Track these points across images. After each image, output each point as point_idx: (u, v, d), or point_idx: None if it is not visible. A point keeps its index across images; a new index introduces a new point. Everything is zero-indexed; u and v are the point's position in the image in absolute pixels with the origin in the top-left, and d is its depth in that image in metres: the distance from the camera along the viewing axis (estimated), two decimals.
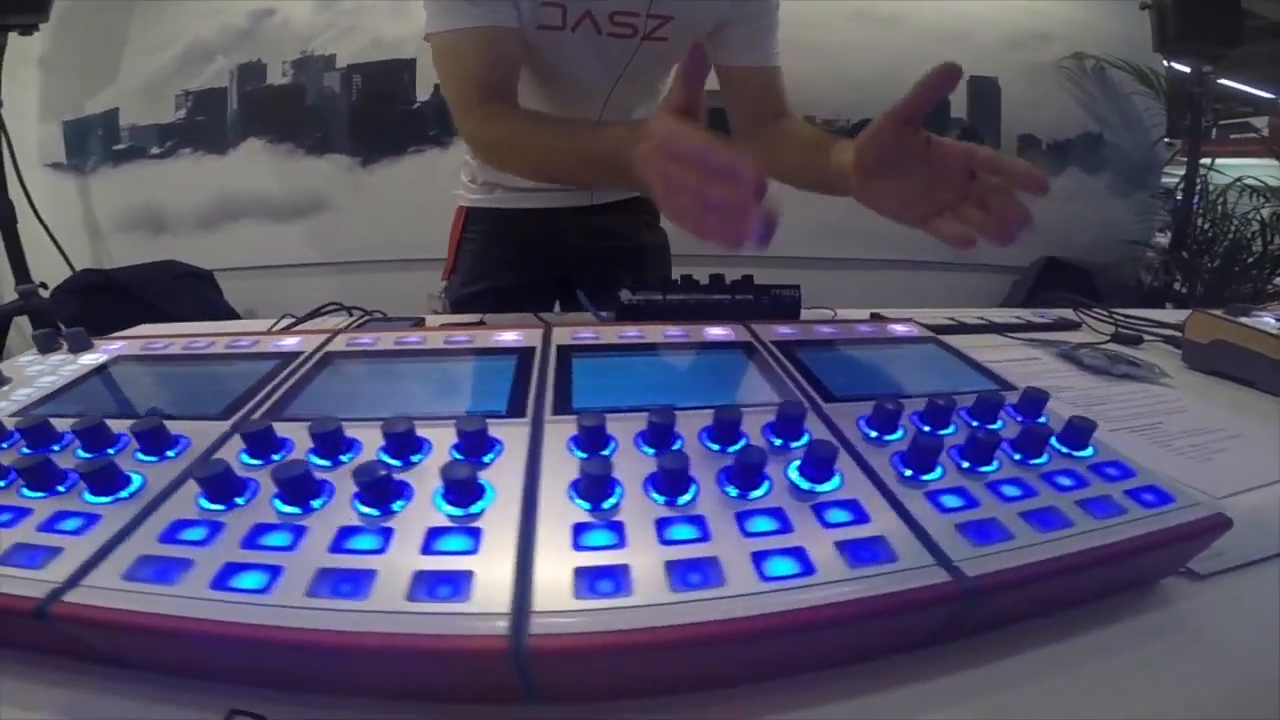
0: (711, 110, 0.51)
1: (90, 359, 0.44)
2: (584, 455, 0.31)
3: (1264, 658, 0.29)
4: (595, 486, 0.27)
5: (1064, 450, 0.33)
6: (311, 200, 2.34)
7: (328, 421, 0.31)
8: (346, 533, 0.26)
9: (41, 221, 2.06)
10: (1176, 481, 0.32)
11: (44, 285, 2.03)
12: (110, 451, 0.31)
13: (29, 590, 0.23)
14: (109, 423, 0.32)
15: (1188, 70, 2.45)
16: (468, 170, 1.05)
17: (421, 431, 0.31)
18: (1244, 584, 0.34)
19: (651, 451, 0.31)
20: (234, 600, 0.22)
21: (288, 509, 0.27)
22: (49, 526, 0.26)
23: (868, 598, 0.23)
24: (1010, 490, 0.30)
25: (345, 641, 0.21)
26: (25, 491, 0.28)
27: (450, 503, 0.27)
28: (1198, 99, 2.42)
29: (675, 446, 0.31)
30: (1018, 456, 0.32)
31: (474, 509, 0.27)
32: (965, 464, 0.31)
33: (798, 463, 0.30)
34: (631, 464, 0.30)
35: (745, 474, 0.28)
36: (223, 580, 0.23)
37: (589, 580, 0.23)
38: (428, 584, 0.23)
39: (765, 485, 0.29)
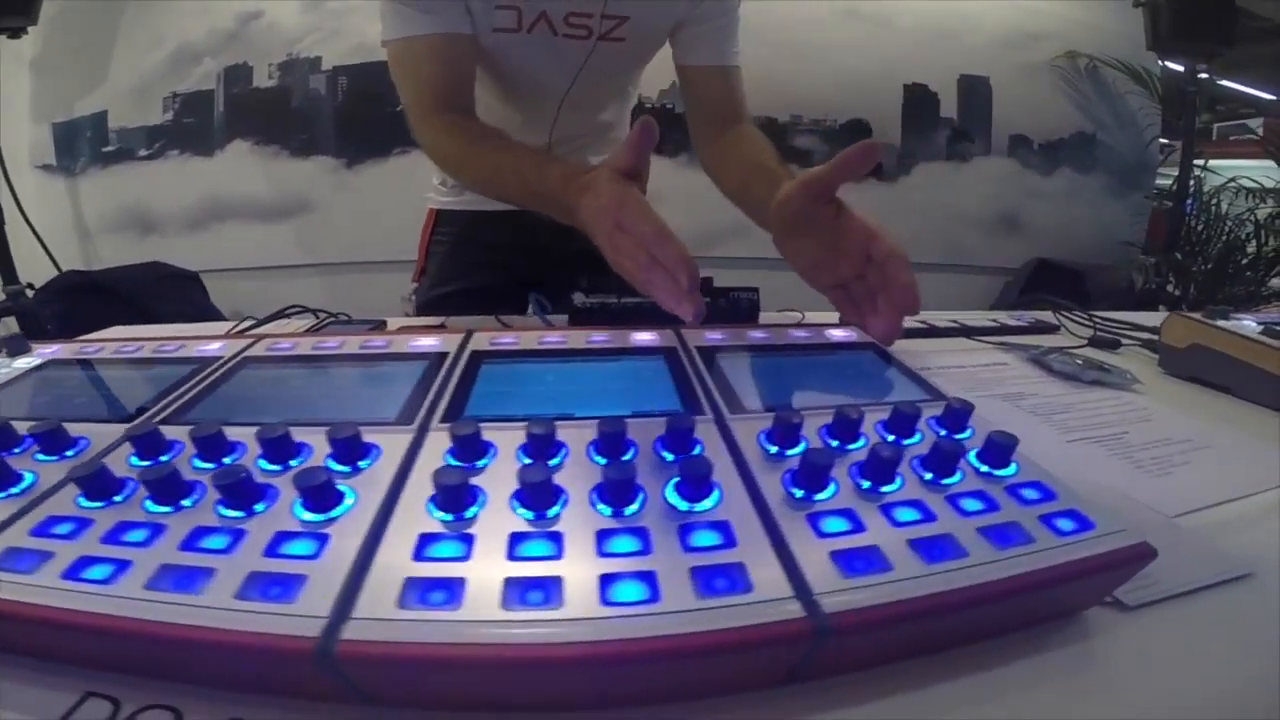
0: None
1: (23, 363, 0.45)
2: (458, 465, 0.30)
3: (1186, 700, 0.26)
4: (453, 497, 0.26)
5: (981, 469, 0.31)
6: (298, 202, 2.34)
7: (210, 425, 0.31)
8: (201, 532, 0.26)
9: (29, 223, 2.06)
10: (1109, 502, 0.31)
11: (31, 286, 2.03)
12: (16, 451, 0.32)
13: None
14: (15, 424, 0.33)
15: (1182, 69, 2.42)
16: (438, 173, 1.04)
17: (301, 437, 0.31)
18: (1176, 616, 0.31)
19: (530, 463, 0.30)
20: (81, 590, 0.23)
21: (158, 508, 0.27)
22: None
23: (704, 631, 0.21)
24: (906, 514, 0.27)
25: (175, 634, 0.22)
26: None
27: (306, 508, 0.27)
28: (1192, 98, 2.39)
29: (556, 460, 0.30)
30: (928, 476, 0.30)
31: (331, 514, 0.27)
32: (864, 483, 0.29)
33: (676, 479, 0.28)
34: (505, 476, 0.28)
35: (617, 491, 0.26)
36: (75, 571, 0.24)
37: (419, 591, 0.23)
38: (260, 585, 0.23)
39: (638, 502, 0.27)
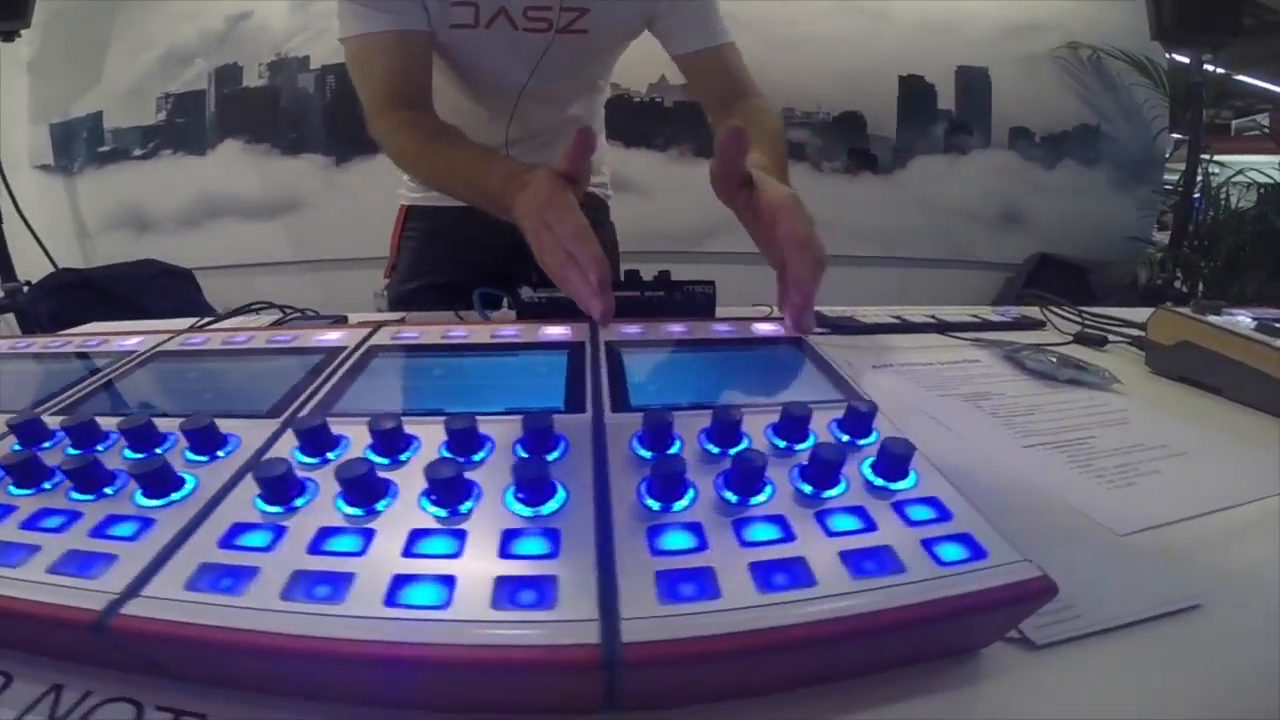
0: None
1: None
2: (307, 460, 0.28)
3: None
4: (278, 488, 0.25)
5: (874, 481, 0.27)
6: (288, 199, 2.35)
7: (81, 415, 0.31)
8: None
9: (25, 221, 2.08)
10: (1041, 521, 0.27)
11: (28, 283, 2.05)
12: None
13: None
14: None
15: (1187, 61, 2.36)
16: None
17: (165, 428, 0.31)
18: (1100, 656, 0.27)
19: (385, 460, 0.28)
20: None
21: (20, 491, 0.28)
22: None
23: (484, 645, 0.19)
24: (762, 532, 0.24)
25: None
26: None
27: (146, 495, 0.27)
28: (1198, 90, 2.32)
29: (406, 455, 0.28)
30: (806, 488, 0.27)
31: (173, 498, 0.27)
32: (729, 494, 0.26)
33: (513, 483, 0.26)
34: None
35: (450, 489, 0.24)
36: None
37: (214, 575, 0.23)
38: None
39: (472, 501, 0.25)
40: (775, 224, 0.46)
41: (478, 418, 0.28)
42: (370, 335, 0.41)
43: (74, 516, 0.26)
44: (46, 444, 0.31)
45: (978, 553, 0.24)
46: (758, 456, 0.26)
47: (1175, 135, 2.73)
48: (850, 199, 2.51)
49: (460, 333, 0.41)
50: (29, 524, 0.25)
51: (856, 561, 0.23)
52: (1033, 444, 0.48)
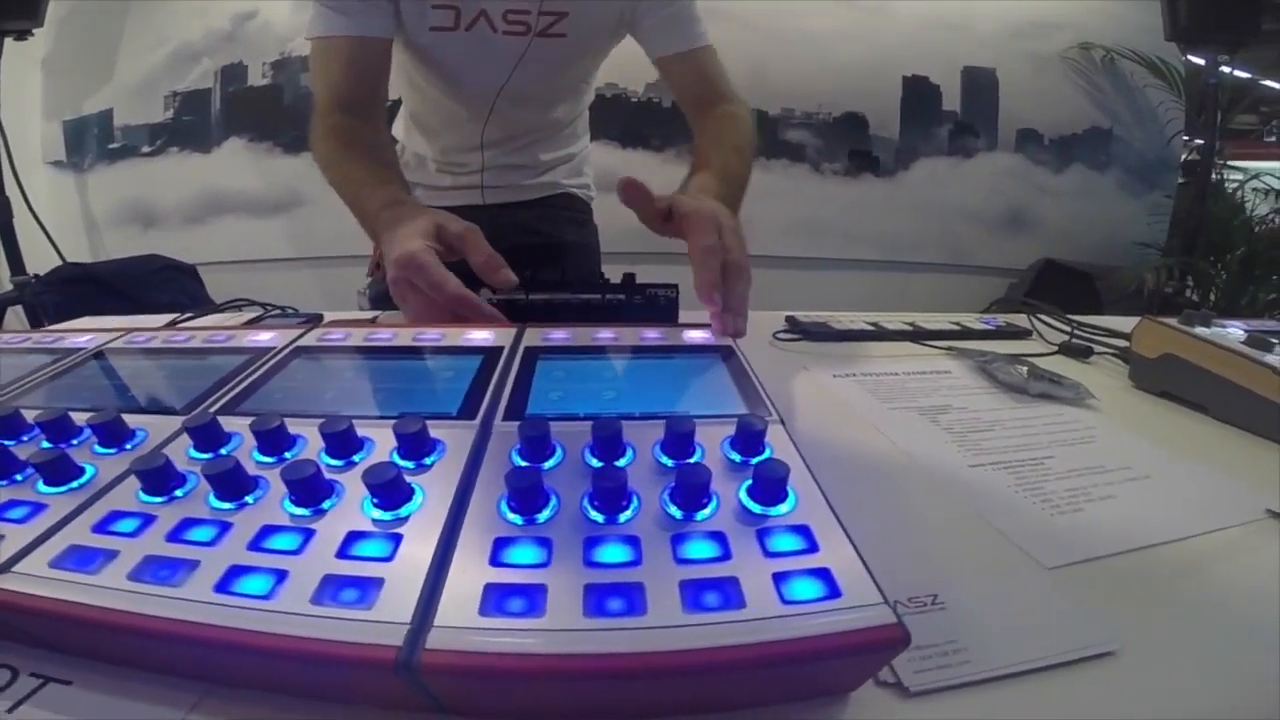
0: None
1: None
2: (203, 456, 0.30)
3: None
4: (158, 478, 0.27)
5: (746, 503, 0.26)
6: (290, 197, 2.38)
7: (4, 407, 0.32)
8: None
9: (35, 216, 2.12)
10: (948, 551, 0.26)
11: (37, 276, 2.09)
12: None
13: None
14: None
15: (1203, 62, 2.30)
16: None
17: (79, 419, 0.33)
18: (988, 706, 0.25)
19: (270, 459, 0.29)
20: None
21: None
22: None
23: (292, 635, 0.20)
24: (611, 553, 0.23)
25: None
26: None
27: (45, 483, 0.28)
28: (1213, 91, 2.26)
29: (289, 455, 0.29)
30: (674, 510, 0.26)
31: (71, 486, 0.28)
32: (593, 512, 0.25)
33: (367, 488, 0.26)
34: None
35: (307, 490, 0.25)
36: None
37: None
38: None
39: (329, 504, 0.26)
40: (688, 239, 0.48)
41: (354, 421, 0.28)
42: (299, 337, 0.41)
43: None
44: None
45: (833, 592, 0.22)
46: (613, 475, 0.25)
47: (1196, 141, 2.65)
48: (851, 201, 2.48)
49: (385, 335, 0.41)
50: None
51: (695, 593, 0.22)
52: (980, 463, 0.46)
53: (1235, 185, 2.57)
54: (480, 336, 0.41)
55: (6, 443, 0.31)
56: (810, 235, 2.47)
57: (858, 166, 2.48)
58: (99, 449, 0.31)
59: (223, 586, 0.22)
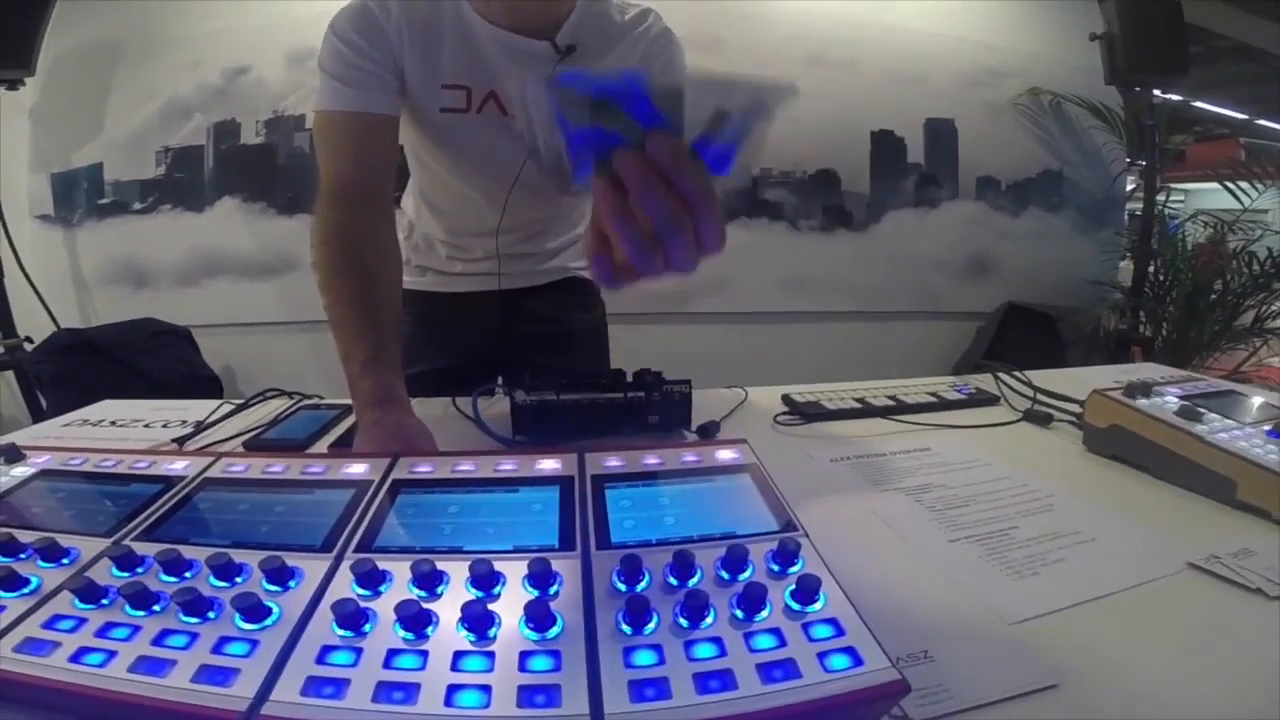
0: None
1: (19, 471, 0.52)
2: (365, 592, 0.37)
3: None
4: (354, 618, 0.34)
5: (792, 605, 0.36)
6: (283, 259, 2.39)
7: (170, 553, 0.39)
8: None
9: (27, 277, 2.12)
10: (939, 616, 0.37)
11: (29, 339, 2.09)
12: (20, 557, 0.40)
13: None
14: (18, 535, 0.41)
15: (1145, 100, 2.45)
16: (403, 250, 1.09)
17: (239, 558, 0.39)
18: None
19: (423, 594, 0.36)
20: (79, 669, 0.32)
21: (137, 612, 0.36)
22: None
23: None
24: (704, 650, 0.32)
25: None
26: None
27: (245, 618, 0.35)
28: (1150, 131, 2.42)
29: (439, 590, 0.36)
30: (739, 613, 0.35)
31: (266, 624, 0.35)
32: (682, 620, 0.34)
33: (524, 614, 0.34)
34: (394, 603, 0.35)
35: (476, 619, 0.33)
36: (78, 657, 0.33)
37: None
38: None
39: (494, 629, 0.34)
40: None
41: (489, 556, 0.37)
42: (390, 468, 0.49)
43: (194, 636, 0.33)
44: (140, 569, 0.39)
45: (857, 662, 0.32)
46: (699, 595, 0.34)
47: (1139, 163, 2.79)
48: (827, 256, 2.60)
49: (468, 466, 0.48)
50: (158, 641, 0.33)
51: (768, 670, 0.32)
52: (959, 538, 0.56)
53: (1178, 219, 2.73)
54: (551, 466, 0.49)
55: (183, 579, 0.38)
56: (790, 290, 2.56)
57: (832, 221, 2.60)
58: (268, 586, 0.37)
59: (449, 700, 0.30)
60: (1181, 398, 0.71)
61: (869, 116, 2.58)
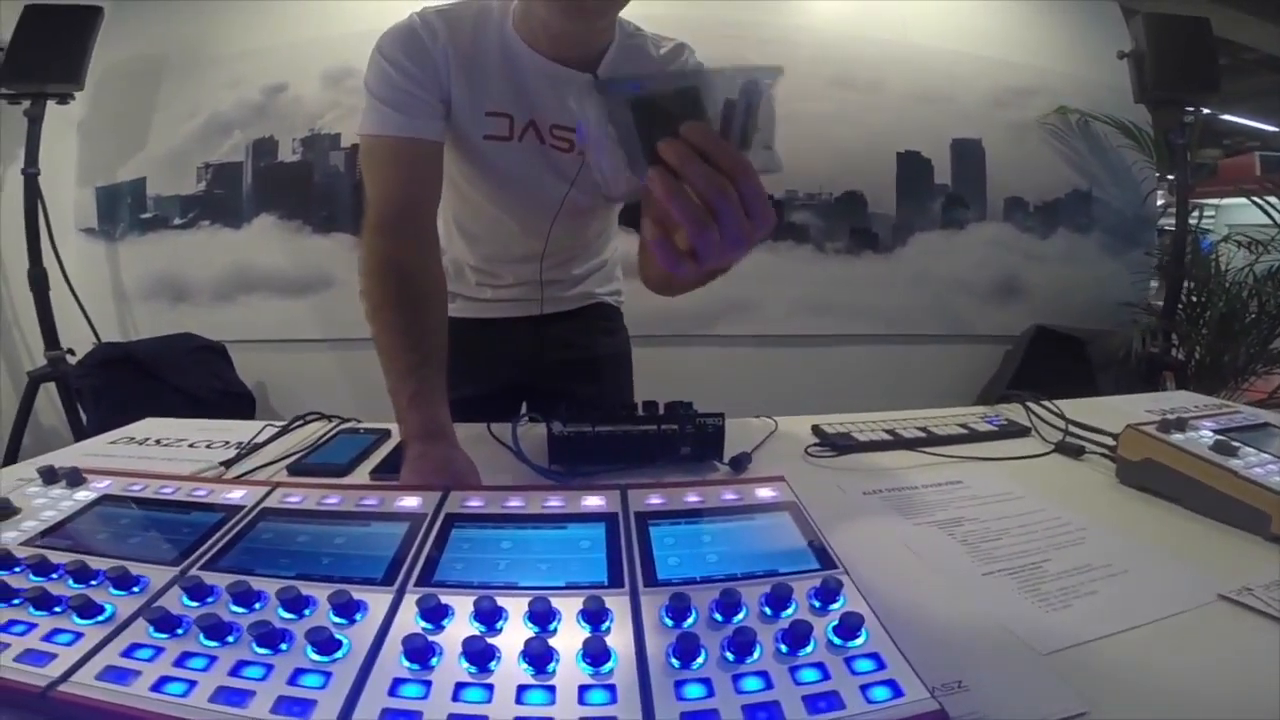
0: None
1: (82, 495, 0.55)
2: (428, 625, 0.38)
3: None
4: (422, 652, 0.35)
5: (835, 640, 0.37)
6: (319, 277, 2.43)
7: (240, 584, 0.41)
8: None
9: (72, 290, 2.18)
10: (980, 646, 0.39)
11: (71, 351, 2.16)
12: (93, 583, 0.42)
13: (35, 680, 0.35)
14: (89, 561, 0.43)
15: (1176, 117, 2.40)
16: None
17: (307, 591, 0.41)
18: None
19: (482, 629, 0.38)
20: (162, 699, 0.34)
21: (211, 642, 0.37)
22: (48, 638, 0.38)
23: None
24: (751, 684, 0.34)
25: None
26: (31, 610, 0.40)
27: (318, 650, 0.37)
28: (1181, 151, 2.37)
29: (499, 625, 0.38)
30: (784, 648, 0.36)
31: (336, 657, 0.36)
32: (729, 655, 0.36)
33: (581, 650, 0.36)
34: (458, 637, 0.36)
35: (536, 655, 0.35)
36: (158, 686, 0.34)
37: None
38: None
39: (553, 664, 0.35)
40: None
41: (547, 593, 0.39)
42: (442, 502, 0.51)
43: (269, 668, 0.35)
44: (210, 599, 0.40)
45: (898, 693, 0.34)
46: (746, 632, 0.36)
47: (1168, 178, 2.76)
48: (853, 279, 2.59)
49: (516, 503, 0.50)
50: (235, 672, 0.35)
51: (814, 702, 0.33)
52: (991, 571, 0.56)
53: (1212, 238, 2.67)
54: (596, 503, 0.51)
55: (252, 610, 0.40)
56: (816, 313, 2.55)
57: (858, 244, 2.58)
58: (334, 619, 0.39)
59: None
60: (1216, 431, 0.71)
61: (895, 138, 2.57)
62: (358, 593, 0.40)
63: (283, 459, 0.80)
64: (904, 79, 2.56)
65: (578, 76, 0.82)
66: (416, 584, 0.42)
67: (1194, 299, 2.48)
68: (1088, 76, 2.70)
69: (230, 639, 0.37)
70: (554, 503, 0.51)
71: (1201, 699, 0.41)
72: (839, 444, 0.84)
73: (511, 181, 0.89)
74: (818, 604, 0.40)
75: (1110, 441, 0.80)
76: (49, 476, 0.58)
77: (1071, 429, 0.89)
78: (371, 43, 0.80)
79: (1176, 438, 0.70)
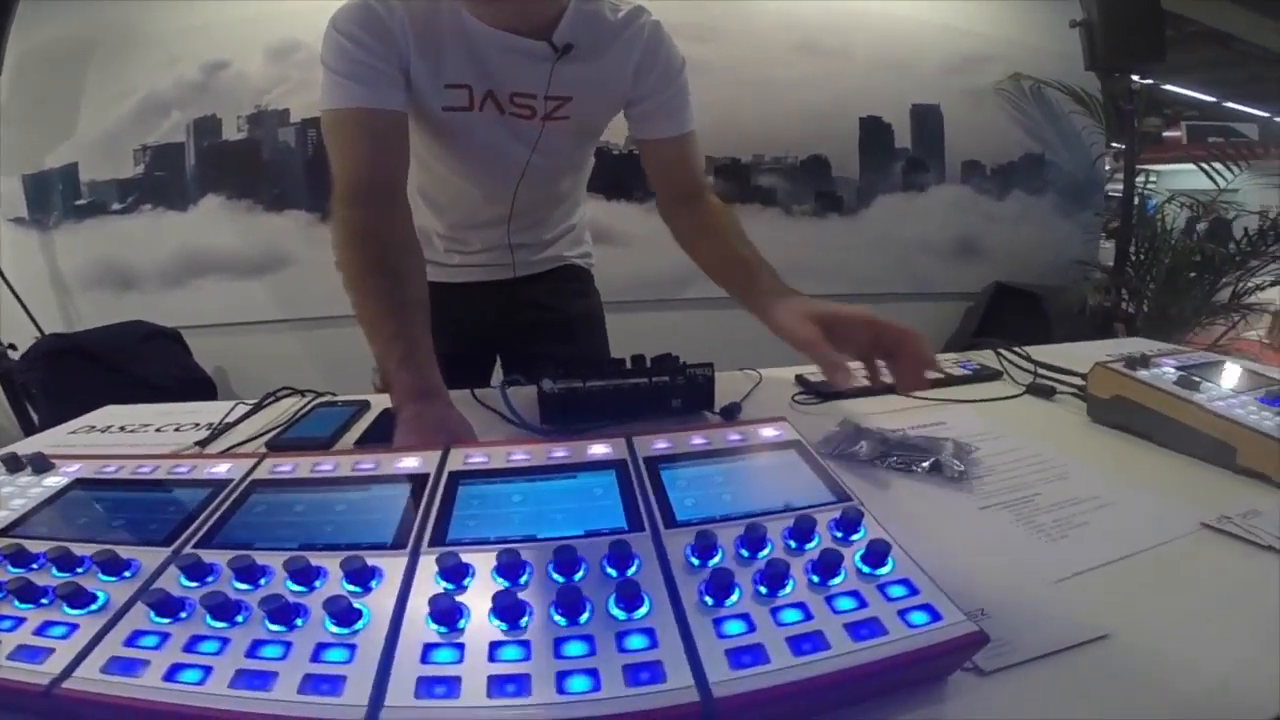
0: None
1: (52, 481, 0.50)
2: (449, 586, 0.36)
3: None
4: (449, 614, 0.33)
5: (863, 569, 0.37)
6: (273, 257, 2.36)
7: (242, 559, 0.38)
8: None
9: (6, 282, 2.07)
10: (988, 578, 0.39)
11: (13, 346, 2.04)
12: (79, 570, 0.39)
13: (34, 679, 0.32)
14: (72, 547, 0.40)
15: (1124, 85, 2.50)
16: None
17: (316, 561, 0.38)
18: (1032, 678, 0.37)
19: (506, 584, 0.36)
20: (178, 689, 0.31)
21: (219, 624, 0.34)
22: (39, 632, 0.35)
23: (630, 713, 0.29)
24: (790, 615, 0.34)
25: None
26: (16, 603, 0.36)
27: (338, 622, 0.34)
28: (1129, 116, 2.48)
29: (523, 579, 0.37)
30: (815, 578, 0.36)
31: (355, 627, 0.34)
32: (762, 589, 0.35)
33: (614, 595, 0.35)
34: (483, 595, 0.35)
35: (569, 604, 0.33)
36: (171, 675, 0.31)
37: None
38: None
39: (586, 613, 0.34)
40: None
41: (571, 541, 0.38)
42: (444, 460, 0.49)
43: (288, 645, 0.33)
44: (210, 578, 0.38)
45: (936, 617, 0.34)
46: (779, 564, 0.36)
47: (1114, 145, 2.89)
48: (819, 240, 2.63)
49: (523, 455, 0.49)
50: (251, 654, 0.32)
51: (856, 630, 0.33)
52: (988, 505, 0.58)
53: (1156, 199, 2.80)
54: (602, 451, 0.50)
55: (258, 586, 0.37)
56: (785, 274, 2.49)
57: (824, 207, 2.63)
58: (349, 586, 0.37)
59: (560, 688, 0.30)
60: (1178, 368, 0.74)
61: (857, 103, 2.61)
62: (370, 558, 0.38)
63: (260, 435, 0.77)
64: (868, 46, 2.59)
65: (532, 44, 0.81)
66: (430, 544, 0.40)
67: (1141, 256, 2.58)
68: (1040, 45, 2.77)
69: (240, 618, 0.34)
70: (560, 454, 0.50)
71: (1208, 621, 0.43)
72: (824, 391, 0.85)
73: (474, 150, 0.89)
74: (840, 534, 0.40)
75: (1079, 382, 0.83)
76: (12, 464, 0.53)
77: (1040, 372, 0.91)
78: (317, 17, 0.78)
79: (1143, 374, 0.73)
